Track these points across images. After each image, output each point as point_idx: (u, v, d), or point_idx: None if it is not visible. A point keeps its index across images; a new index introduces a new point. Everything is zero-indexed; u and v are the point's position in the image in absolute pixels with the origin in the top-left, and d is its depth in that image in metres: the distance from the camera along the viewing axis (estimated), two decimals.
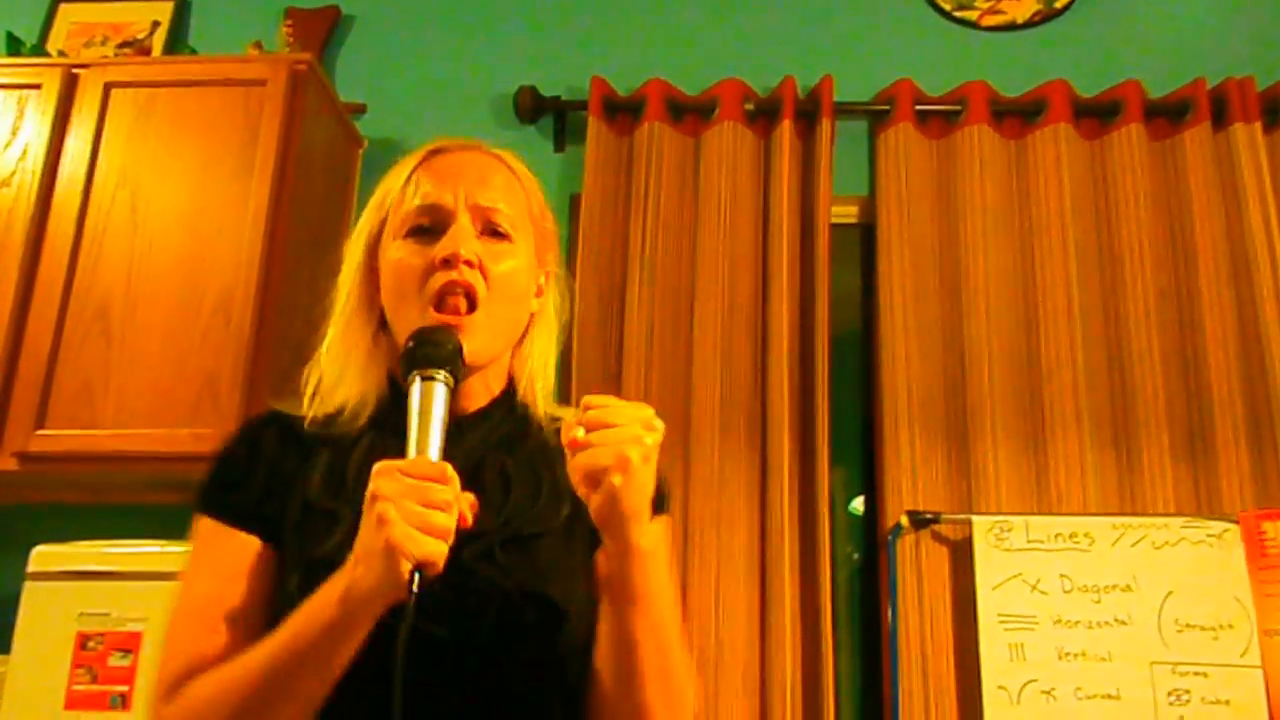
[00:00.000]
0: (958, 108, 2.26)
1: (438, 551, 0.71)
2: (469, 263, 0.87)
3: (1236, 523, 1.95)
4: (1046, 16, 2.40)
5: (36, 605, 1.75)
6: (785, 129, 2.22)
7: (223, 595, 0.84)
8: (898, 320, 2.13)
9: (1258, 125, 2.19)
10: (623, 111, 2.29)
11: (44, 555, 1.78)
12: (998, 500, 2.02)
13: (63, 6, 2.42)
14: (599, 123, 2.24)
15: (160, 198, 2.01)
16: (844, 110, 2.27)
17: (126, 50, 2.27)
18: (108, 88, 2.08)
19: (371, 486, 0.73)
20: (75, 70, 2.11)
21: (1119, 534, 1.96)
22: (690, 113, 2.29)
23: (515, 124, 2.36)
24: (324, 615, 0.75)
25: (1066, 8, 2.40)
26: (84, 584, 1.74)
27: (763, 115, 2.28)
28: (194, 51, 2.32)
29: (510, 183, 0.95)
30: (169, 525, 2.01)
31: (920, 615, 1.97)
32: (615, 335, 2.14)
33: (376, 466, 0.74)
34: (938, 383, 2.11)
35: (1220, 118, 2.22)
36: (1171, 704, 1.86)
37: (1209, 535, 1.95)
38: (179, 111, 2.06)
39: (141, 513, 2.12)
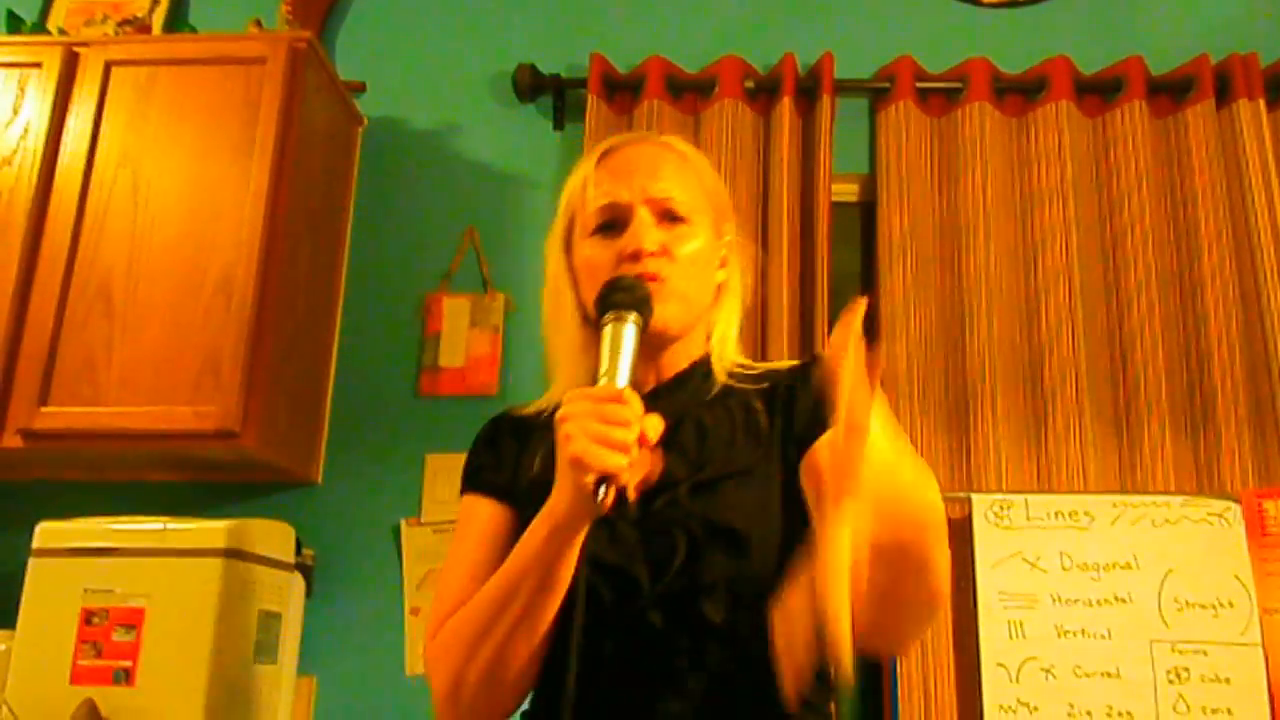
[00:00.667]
0: (959, 85, 2.26)
1: (616, 464, 0.78)
2: (653, 254, 0.97)
3: (1237, 501, 1.95)
4: None
5: (41, 581, 1.77)
6: (785, 106, 2.22)
7: (477, 554, 0.98)
8: (897, 298, 2.14)
9: (1261, 102, 2.18)
10: (622, 89, 2.29)
11: (48, 532, 1.81)
12: (997, 478, 2.02)
13: None
14: (598, 101, 2.24)
15: (161, 176, 2.03)
16: (844, 88, 2.27)
17: (126, 28, 2.28)
18: (108, 66, 2.09)
19: (559, 411, 0.82)
20: (76, 49, 2.12)
21: (1119, 512, 1.97)
22: (690, 90, 2.29)
23: (514, 102, 2.37)
24: (536, 537, 0.87)
25: None
26: (88, 560, 1.77)
27: (763, 93, 2.28)
28: (194, 29, 2.33)
29: (681, 167, 1.03)
30: (172, 502, 2.06)
31: None
32: None
33: (565, 395, 0.83)
34: (937, 360, 2.12)
35: (1224, 94, 2.21)
36: (1171, 682, 1.88)
37: (1209, 513, 1.96)
38: (179, 90, 2.07)
39: (144, 490, 2.16)
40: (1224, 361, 2.05)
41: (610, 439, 0.78)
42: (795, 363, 1.09)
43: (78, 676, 1.71)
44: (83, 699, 1.66)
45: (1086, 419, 2.04)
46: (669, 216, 1.00)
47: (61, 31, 2.27)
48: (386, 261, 2.29)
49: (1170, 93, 2.24)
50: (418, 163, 2.35)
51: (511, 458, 1.03)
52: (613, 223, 1.00)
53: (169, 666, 1.70)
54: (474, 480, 1.04)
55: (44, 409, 1.91)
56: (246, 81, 2.05)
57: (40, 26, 2.32)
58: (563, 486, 0.83)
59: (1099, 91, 2.26)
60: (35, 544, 1.80)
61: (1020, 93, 2.27)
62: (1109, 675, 1.89)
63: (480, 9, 2.45)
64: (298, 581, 2.00)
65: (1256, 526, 1.95)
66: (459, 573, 0.98)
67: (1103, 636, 1.90)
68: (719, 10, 2.42)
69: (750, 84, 2.27)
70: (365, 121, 2.38)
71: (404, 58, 2.43)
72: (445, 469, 2.13)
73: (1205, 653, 1.89)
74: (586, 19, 2.42)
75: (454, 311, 2.22)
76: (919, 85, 2.26)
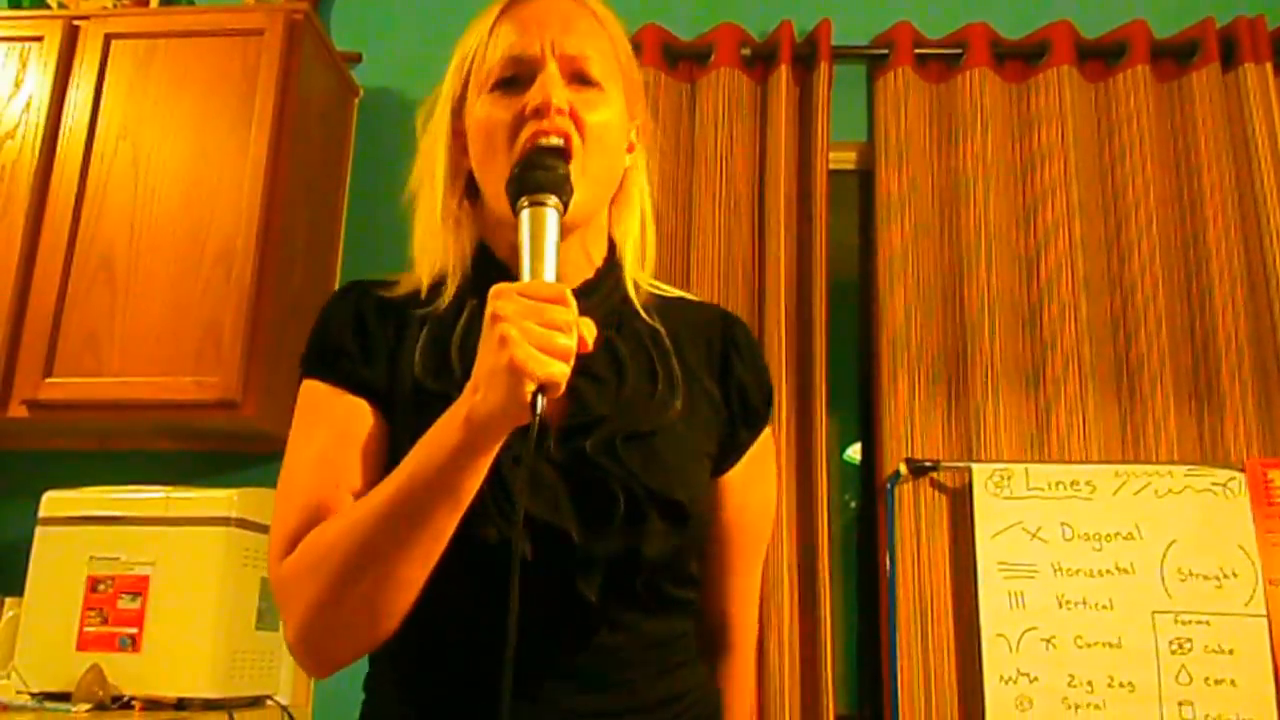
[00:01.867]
0: (958, 51, 2.25)
1: (560, 372, 0.70)
2: (560, 110, 0.84)
3: (1242, 471, 1.95)
4: None
5: (48, 549, 1.82)
6: (782, 74, 2.23)
7: (337, 454, 0.84)
8: (896, 267, 2.14)
9: (1268, 65, 2.17)
10: None
11: (54, 501, 1.85)
12: (997, 448, 2.03)
13: None
14: None
15: (161, 148, 2.06)
16: (842, 54, 2.27)
17: (125, 1, 2.31)
18: (108, 39, 2.13)
19: (490, 308, 0.72)
20: (76, 22, 2.15)
21: (1121, 482, 1.97)
22: (686, 58, 2.30)
23: None
24: (448, 441, 0.75)
25: None
26: (93, 529, 1.81)
27: (759, 60, 2.29)
28: (191, 2, 2.36)
29: (597, 28, 0.91)
30: (175, 471, 2.10)
31: (918, 563, 1.99)
32: None
33: (494, 289, 0.73)
34: (936, 329, 2.12)
35: (1229, 58, 2.20)
36: (1173, 653, 1.88)
37: (1213, 483, 1.96)
38: (178, 62, 2.10)
39: (148, 459, 2.20)
40: (1229, 330, 2.05)
41: (552, 345, 0.70)
42: (705, 301, 1.02)
43: (84, 643, 1.75)
44: (89, 665, 1.70)
45: (1088, 387, 2.04)
46: (580, 78, 0.87)
47: (61, 5, 2.30)
48: (384, 232, 2.31)
49: (1174, 57, 2.23)
50: (414, 133, 2.35)
51: (381, 348, 0.89)
52: (515, 78, 0.87)
53: (174, 633, 1.74)
54: (332, 367, 0.88)
55: (48, 380, 1.96)
56: (244, 53, 2.08)
57: (40, 0, 2.35)
58: (491, 392, 0.71)
59: (1101, 56, 2.25)
60: (41, 513, 1.84)
61: (1021, 58, 2.26)
62: (1110, 646, 1.89)
63: None
64: None
65: (1261, 496, 1.94)
66: (313, 476, 0.84)
67: (1104, 607, 1.91)
68: None
69: (747, 51, 2.28)
70: (361, 92, 2.40)
71: (399, 28, 2.44)
72: None
73: (1208, 623, 1.89)
74: None
75: None
76: (918, 51, 2.26)
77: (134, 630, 1.75)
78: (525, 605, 0.71)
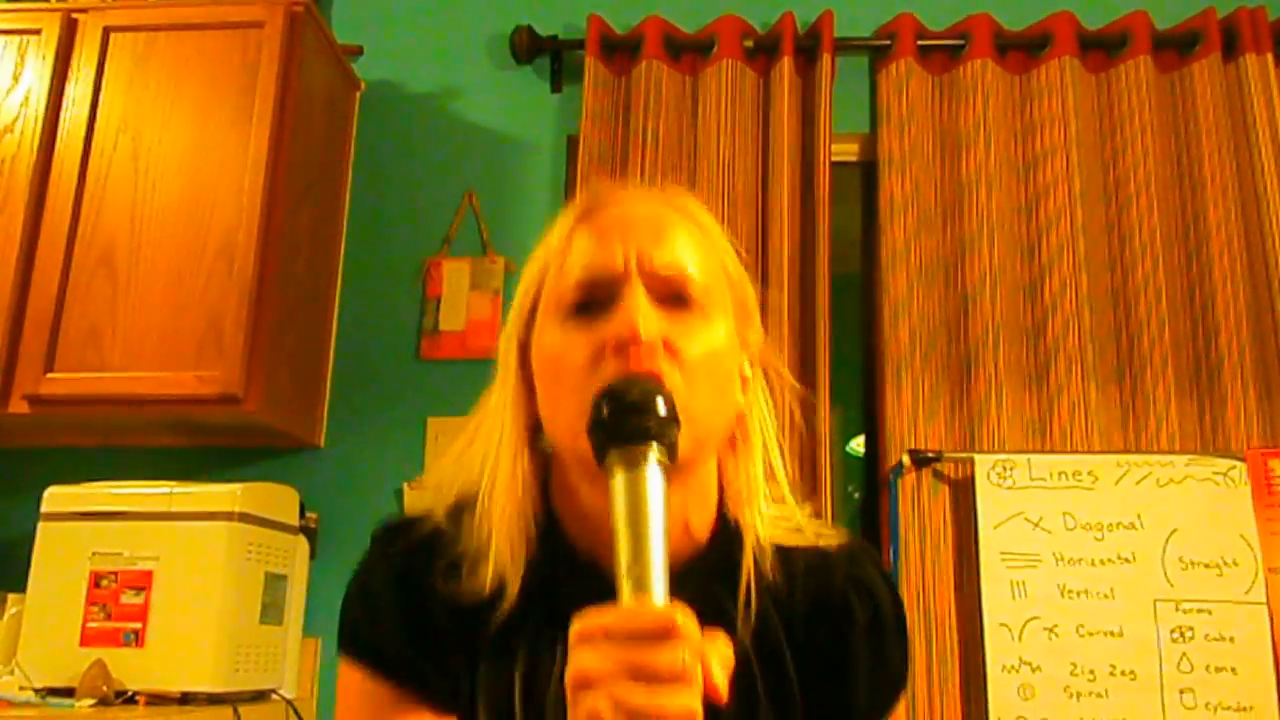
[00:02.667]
0: (960, 42, 2.27)
1: None
2: (652, 344, 0.66)
3: (1243, 460, 1.97)
4: None
5: (50, 545, 1.83)
6: (785, 66, 2.24)
7: None
8: (899, 258, 2.16)
9: (1269, 56, 2.19)
10: (620, 50, 2.31)
11: (56, 496, 1.86)
12: (1000, 438, 2.05)
13: None
14: (596, 62, 2.26)
15: (161, 142, 2.06)
16: (844, 46, 2.28)
17: None
18: (107, 32, 2.13)
19: (571, 665, 0.53)
20: (74, 15, 2.15)
21: (1123, 471, 1.99)
22: (688, 50, 2.31)
23: (512, 64, 2.39)
24: None
25: None
26: (96, 524, 1.82)
27: (762, 52, 2.30)
28: None
29: (698, 238, 0.74)
30: (177, 467, 2.11)
31: (922, 554, 2.01)
32: None
33: (574, 628, 0.53)
34: (939, 321, 2.14)
35: (1230, 49, 2.21)
36: (1174, 641, 1.90)
37: (1215, 473, 1.97)
38: (178, 55, 2.10)
39: (150, 454, 2.21)
40: (1230, 320, 2.07)
41: (664, 713, 0.50)
42: (823, 553, 0.78)
43: (87, 638, 1.76)
44: (93, 660, 1.70)
45: (1090, 378, 2.05)
46: (676, 299, 0.70)
47: None
48: (386, 225, 2.33)
49: (1176, 47, 2.25)
50: (416, 126, 2.38)
51: (430, 648, 0.73)
52: (594, 301, 0.70)
53: (178, 628, 1.75)
54: (385, 662, 0.74)
55: (50, 375, 1.96)
56: (244, 45, 2.09)
57: None
58: None
59: (1103, 47, 2.26)
60: (44, 508, 1.85)
61: (1023, 49, 2.27)
62: (1112, 635, 1.91)
63: None
64: (302, 544, 2.05)
65: (1262, 485, 1.96)
66: None
67: (1106, 596, 1.93)
68: None
69: (749, 43, 2.29)
70: (363, 85, 2.41)
71: (401, 21, 2.45)
72: (447, 432, 2.17)
73: (1209, 612, 1.91)
74: None
75: (454, 275, 2.26)
76: (920, 42, 2.27)
77: (138, 625, 1.76)
78: None
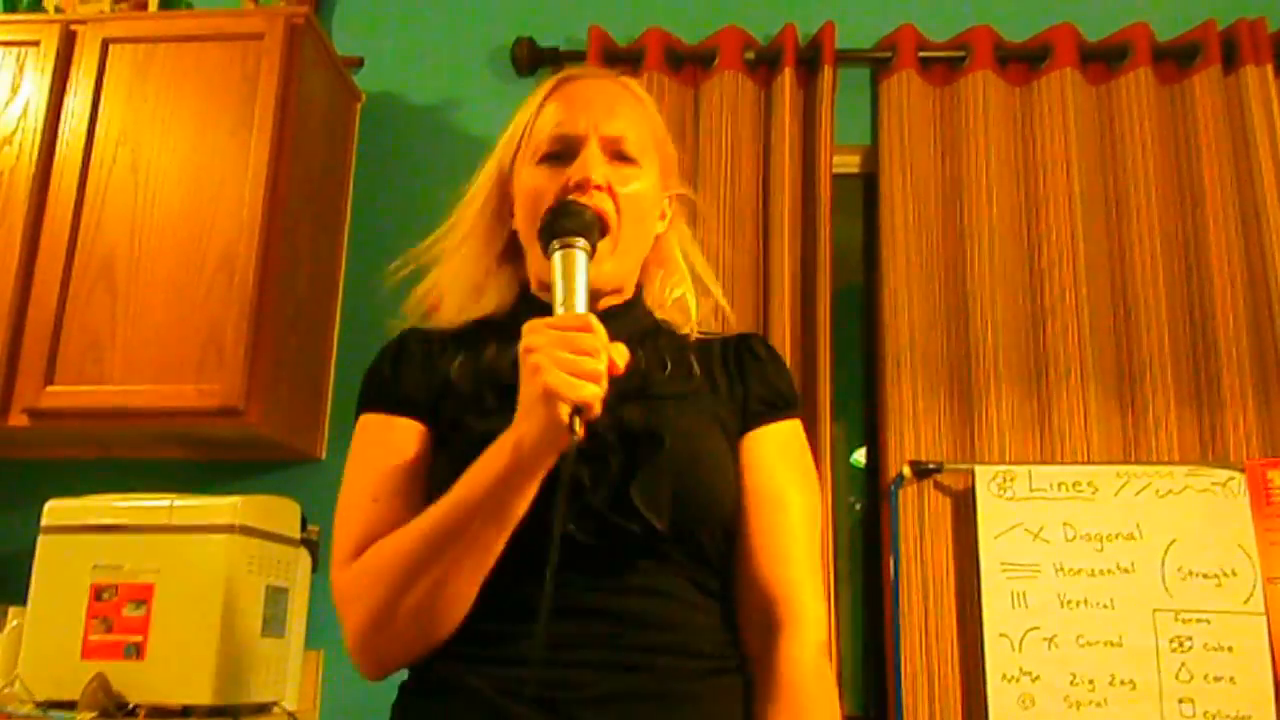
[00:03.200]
0: (961, 54, 2.28)
1: (592, 394, 0.78)
2: (599, 187, 0.96)
3: (1242, 471, 1.99)
4: None
5: (51, 558, 1.83)
6: (786, 78, 2.25)
7: (392, 473, 0.94)
8: (900, 270, 2.17)
9: (1269, 68, 2.20)
10: (621, 62, 2.31)
11: (56, 509, 1.86)
12: (1001, 450, 2.07)
13: None
14: None
15: (161, 154, 2.07)
16: (846, 58, 2.29)
17: (122, 5, 2.32)
18: (106, 44, 2.13)
19: (523, 342, 0.81)
20: (73, 27, 2.16)
21: (1123, 482, 2.01)
22: (689, 62, 2.32)
23: (513, 76, 2.41)
24: (496, 466, 0.83)
25: None
26: (97, 537, 1.82)
27: (763, 64, 2.31)
28: (190, 5, 2.36)
29: (636, 109, 1.03)
30: (178, 479, 2.12)
31: (922, 564, 2.03)
32: None
33: (526, 325, 0.82)
34: (940, 333, 2.16)
35: (1230, 61, 2.23)
36: (1174, 651, 1.92)
37: (1214, 483, 2.00)
38: (177, 67, 2.11)
39: (150, 467, 2.21)
40: (1229, 331, 2.09)
41: (581, 368, 0.78)
42: (737, 333, 1.09)
43: (89, 651, 1.76)
44: (94, 673, 1.71)
45: (1090, 389, 2.07)
46: (619, 155, 1.00)
47: (58, 9, 2.31)
48: (386, 237, 2.33)
49: (1176, 59, 2.26)
50: (416, 138, 2.39)
51: (422, 370, 1.00)
52: (561, 153, 0.99)
53: (179, 641, 1.75)
54: (378, 397, 1.00)
55: (50, 388, 1.97)
56: (244, 57, 2.09)
57: (37, 4, 2.35)
58: (531, 419, 0.81)
59: (1104, 59, 2.28)
60: (44, 521, 1.85)
61: (1024, 60, 2.29)
62: (1112, 644, 1.93)
63: None
64: (304, 556, 2.05)
65: (1260, 496, 1.98)
66: (370, 493, 0.93)
67: (1106, 606, 1.95)
68: None
69: (751, 55, 2.30)
70: (363, 97, 2.42)
71: (401, 32, 2.46)
72: None
73: (1208, 621, 1.93)
74: None
75: None
76: (921, 54, 2.29)
77: (139, 638, 1.76)
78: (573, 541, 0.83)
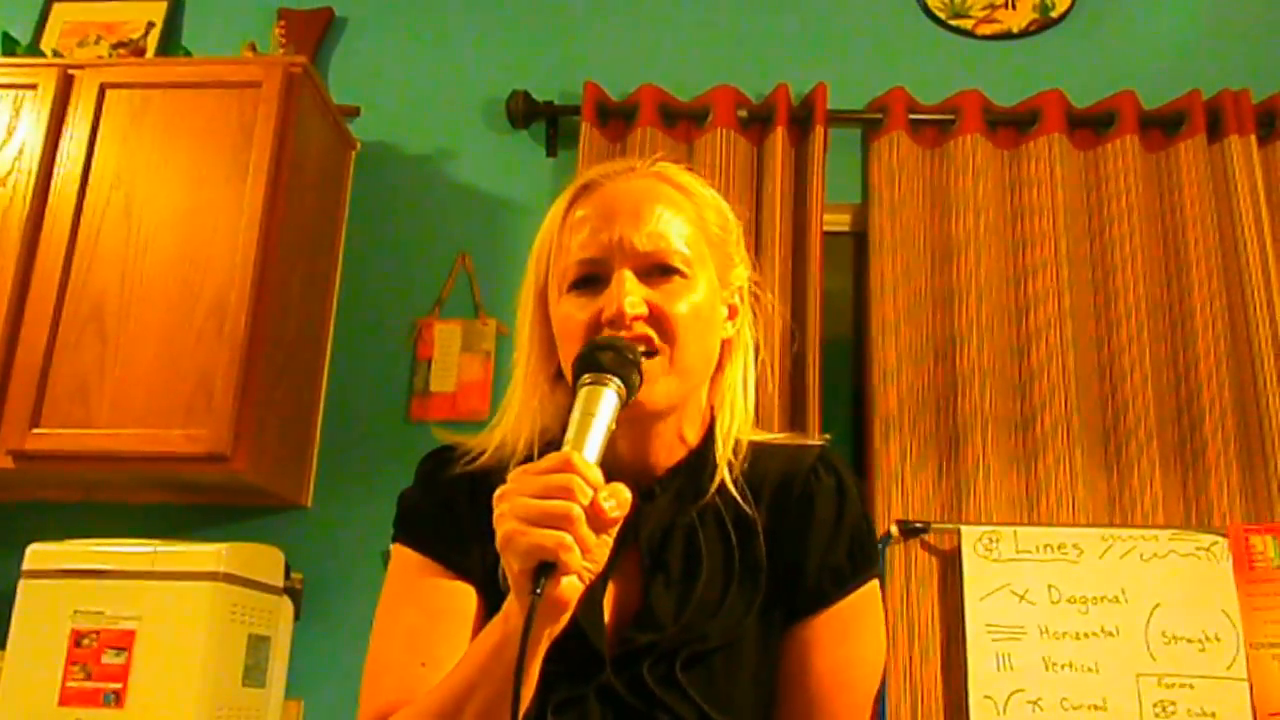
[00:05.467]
0: (951, 117, 2.37)
1: (553, 540, 0.68)
2: (637, 317, 0.85)
3: (1225, 536, 2.05)
4: (1042, 26, 2.50)
5: (31, 602, 1.86)
6: (778, 136, 2.33)
7: (429, 631, 0.87)
8: (889, 329, 2.24)
9: (1252, 138, 2.30)
10: (615, 117, 2.39)
11: (39, 554, 1.89)
12: (987, 510, 2.12)
13: (56, 5, 2.53)
14: (591, 128, 2.35)
15: (155, 199, 2.12)
16: (837, 118, 2.37)
17: (121, 51, 2.39)
18: (103, 88, 2.19)
19: (497, 491, 0.72)
20: (71, 71, 2.22)
21: (1107, 545, 2.06)
22: (683, 118, 2.40)
23: (507, 128, 2.48)
24: (484, 645, 0.77)
25: (1062, 17, 2.51)
26: (78, 582, 1.85)
27: (756, 122, 2.38)
28: (188, 53, 2.42)
29: (675, 204, 0.91)
30: (162, 524, 2.17)
31: (908, 624, 2.08)
32: None
33: (512, 472, 0.73)
34: (928, 392, 2.22)
35: (1215, 130, 2.32)
36: (1157, 715, 1.97)
37: (1197, 548, 2.05)
38: (174, 113, 2.17)
39: (135, 511, 2.24)
40: (1213, 396, 2.16)
41: (545, 513, 0.68)
42: (800, 448, 0.96)
43: (67, 698, 1.78)
44: None
45: (1076, 451, 2.13)
46: (660, 270, 0.87)
47: (56, 53, 2.37)
48: (378, 286, 2.39)
49: (1162, 127, 2.36)
50: (411, 187, 2.46)
51: (474, 533, 0.89)
52: (591, 277, 0.88)
53: (159, 689, 1.78)
54: (427, 544, 0.91)
55: (35, 430, 2.00)
56: (241, 105, 2.15)
57: (34, 48, 2.42)
58: (507, 579, 0.73)
59: (1091, 125, 2.37)
60: (25, 565, 1.88)
61: (1013, 125, 2.38)
62: (1096, 708, 1.98)
63: (474, 35, 2.56)
64: (286, 605, 2.09)
65: (1243, 561, 2.04)
66: (404, 649, 0.87)
67: (1090, 670, 2.00)
68: (712, 39, 2.53)
69: (743, 113, 2.38)
70: (359, 146, 2.49)
71: (398, 83, 2.53)
72: None
73: (1191, 686, 1.98)
74: (580, 46, 2.53)
75: (445, 337, 2.32)
76: (912, 117, 2.37)
77: (118, 686, 1.79)
78: None
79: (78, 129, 2.17)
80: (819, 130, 2.33)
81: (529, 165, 2.45)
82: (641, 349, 0.84)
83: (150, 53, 2.44)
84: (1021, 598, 2.05)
